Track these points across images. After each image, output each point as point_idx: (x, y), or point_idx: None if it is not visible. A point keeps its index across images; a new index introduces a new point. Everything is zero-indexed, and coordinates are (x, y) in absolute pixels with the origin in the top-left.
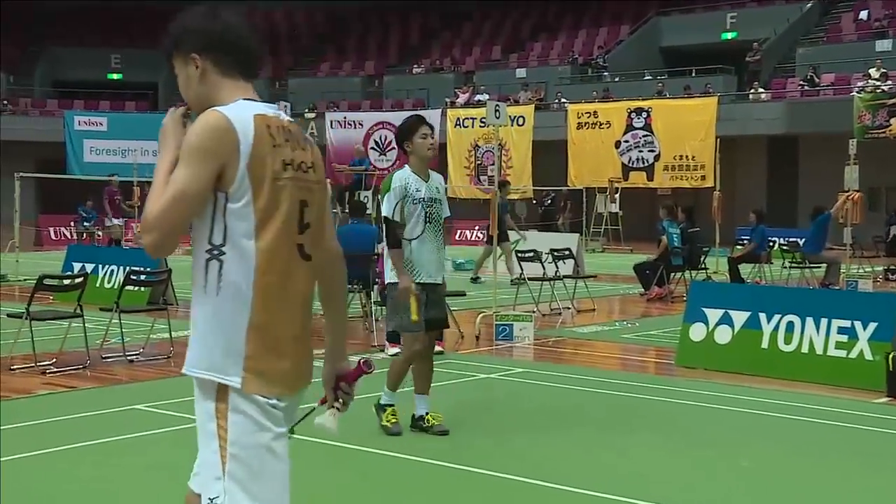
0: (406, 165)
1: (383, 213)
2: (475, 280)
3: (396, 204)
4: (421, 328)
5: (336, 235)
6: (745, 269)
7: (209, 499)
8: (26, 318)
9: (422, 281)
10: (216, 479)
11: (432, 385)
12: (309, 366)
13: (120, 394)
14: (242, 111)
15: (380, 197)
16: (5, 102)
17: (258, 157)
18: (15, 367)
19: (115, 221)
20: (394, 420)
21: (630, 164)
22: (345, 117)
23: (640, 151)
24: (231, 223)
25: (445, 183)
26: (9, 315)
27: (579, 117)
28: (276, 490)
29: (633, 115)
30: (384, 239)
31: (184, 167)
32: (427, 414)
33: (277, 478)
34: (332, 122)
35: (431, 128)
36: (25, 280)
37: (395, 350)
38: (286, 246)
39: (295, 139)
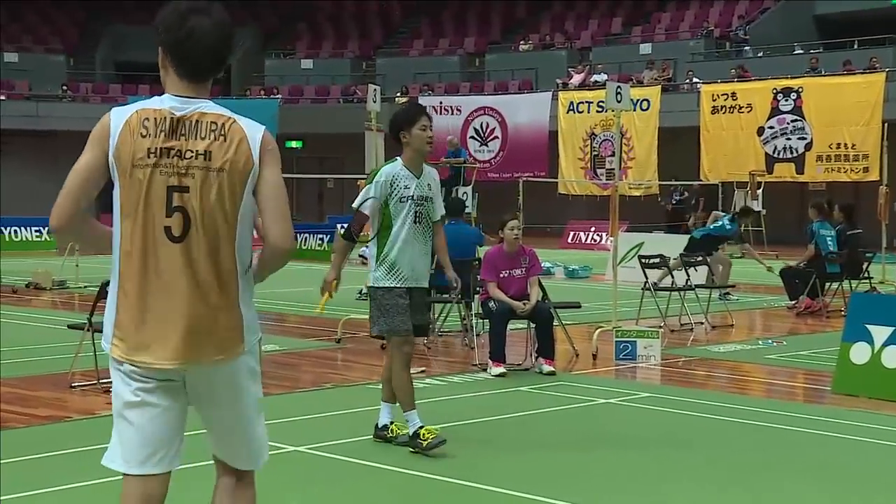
0: (398, 158)
1: (354, 203)
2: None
3: (369, 200)
4: (409, 330)
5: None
6: None
7: None
8: (88, 330)
9: (407, 285)
10: None
11: (527, 412)
12: (193, 341)
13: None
14: (130, 108)
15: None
16: (64, 88)
17: (119, 147)
18: (76, 384)
19: None
20: (430, 436)
21: (775, 155)
22: (441, 102)
23: (788, 139)
24: (114, 207)
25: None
26: (70, 326)
27: (714, 100)
28: (134, 445)
29: (780, 96)
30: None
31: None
32: (392, 423)
33: (135, 435)
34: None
35: (430, 119)
36: (86, 287)
37: (500, 369)
38: (148, 227)
39: (186, 129)
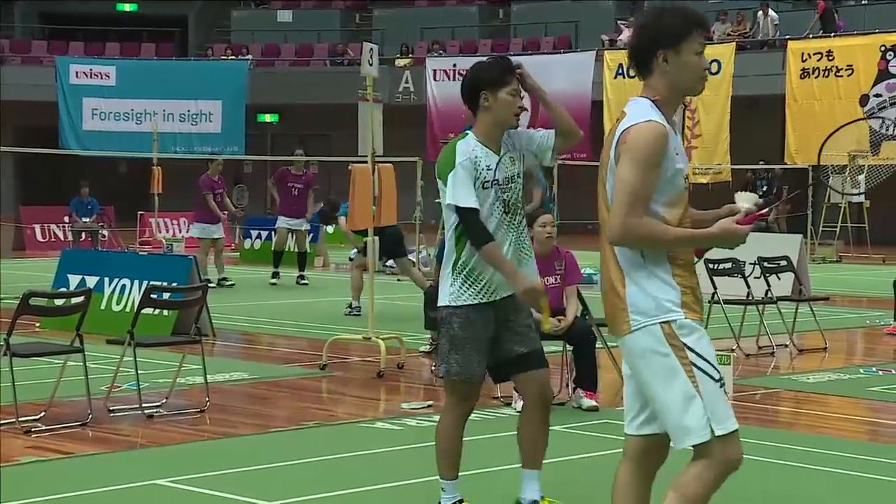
0: (468, 133)
1: (453, 202)
2: None
3: (470, 184)
4: (480, 372)
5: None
6: None
7: None
8: (5, 354)
9: (497, 298)
10: None
11: (562, 458)
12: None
13: (135, 463)
14: None
15: (438, 179)
16: None
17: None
18: None
19: (211, 229)
20: None
21: (884, 131)
22: (454, 64)
23: None
24: None
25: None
26: None
27: (804, 60)
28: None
29: (890, 55)
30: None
31: None
32: (542, 499)
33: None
34: (434, 72)
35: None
36: (2, 299)
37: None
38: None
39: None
